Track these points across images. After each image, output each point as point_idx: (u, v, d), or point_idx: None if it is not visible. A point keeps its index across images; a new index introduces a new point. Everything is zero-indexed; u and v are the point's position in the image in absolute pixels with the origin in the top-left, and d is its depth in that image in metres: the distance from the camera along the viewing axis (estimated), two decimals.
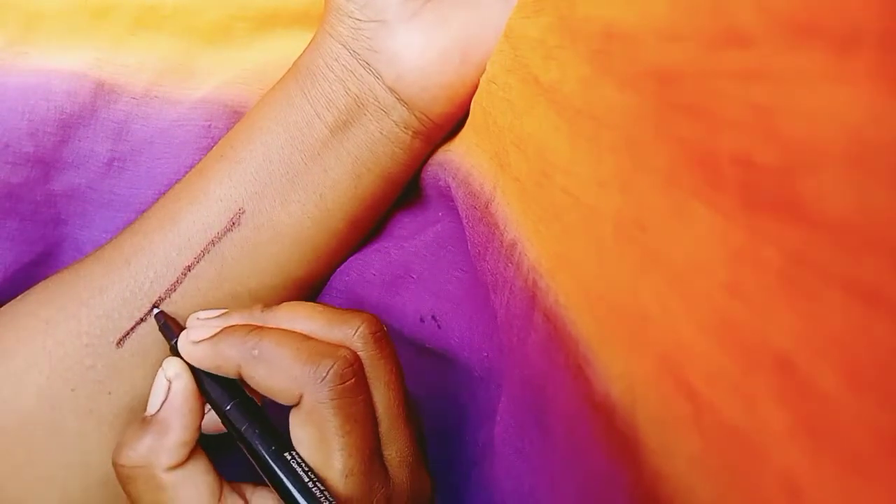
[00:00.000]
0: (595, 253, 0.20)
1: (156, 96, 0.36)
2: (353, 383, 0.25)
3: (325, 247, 0.33)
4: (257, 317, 0.27)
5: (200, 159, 0.34)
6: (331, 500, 0.24)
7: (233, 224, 0.31)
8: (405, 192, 0.35)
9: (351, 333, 0.26)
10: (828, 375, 0.12)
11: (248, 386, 0.26)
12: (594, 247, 0.20)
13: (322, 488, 0.24)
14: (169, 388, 0.26)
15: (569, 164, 0.21)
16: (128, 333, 0.31)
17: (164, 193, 0.33)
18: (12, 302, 0.33)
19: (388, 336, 0.27)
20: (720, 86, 0.14)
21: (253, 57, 0.37)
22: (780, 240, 0.13)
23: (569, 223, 0.21)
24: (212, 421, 0.27)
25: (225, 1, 0.36)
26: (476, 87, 0.31)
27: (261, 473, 0.25)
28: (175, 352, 0.27)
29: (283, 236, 0.32)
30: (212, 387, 0.27)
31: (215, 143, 0.34)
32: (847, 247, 0.11)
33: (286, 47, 0.36)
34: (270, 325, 0.27)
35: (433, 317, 0.32)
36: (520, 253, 0.25)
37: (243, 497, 0.26)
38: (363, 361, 0.26)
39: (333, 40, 0.31)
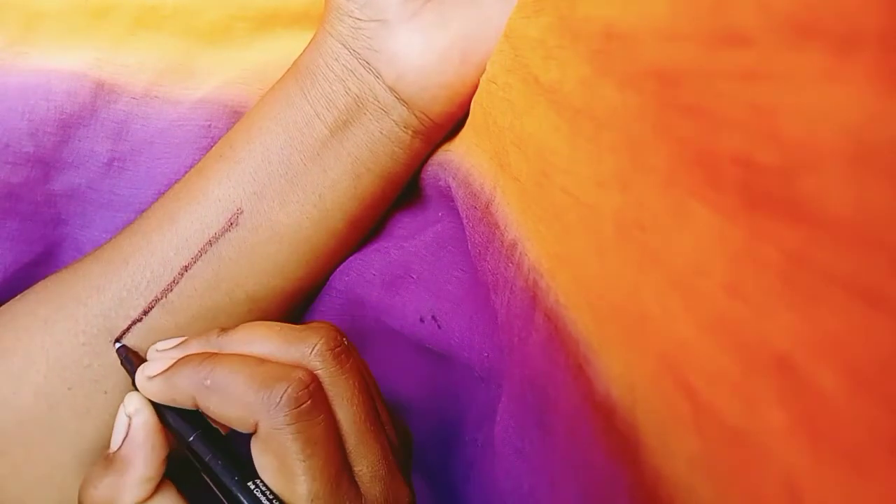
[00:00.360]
0: (595, 253, 0.20)
1: (156, 96, 0.36)
2: (308, 405, 0.24)
3: (324, 247, 0.33)
4: (213, 342, 0.27)
5: (200, 159, 0.34)
6: None
7: (231, 224, 0.31)
8: (405, 192, 0.35)
9: (308, 352, 0.26)
10: (828, 375, 0.12)
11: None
12: (594, 247, 0.20)
13: None
14: (129, 425, 0.26)
15: (569, 164, 0.21)
16: (124, 333, 0.31)
17: (163, 193, 0.33)
18: (11, 301, 0.33)
19: (349, 349, 0.26)
20: (720, 86, 0.14)
21: (253, 57, 0.37)
22: (780, 240, 0.13)
23: (569, 223, 0.21)
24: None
25: (225, 1, 0.36)
26: (476, 86, 0.31)
27: (227, 501, 0.25)
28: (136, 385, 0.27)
29: (281, 236, 0.32)
30: (174, 419, 0.26)
31: (215, 143, 0.34)
32: (847, 247, 0.11)
33: (286, 47, 0.36)
34: (227, 351, 0.26)
35: (433, 317, 0.32)
36: (520, 253, 0.25)
37: None
38: (323, 379, 0.25)
39: (333, 40, 0.31)
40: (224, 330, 0.27)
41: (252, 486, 0.24)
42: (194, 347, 0.27)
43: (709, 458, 0.14)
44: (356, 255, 0.35)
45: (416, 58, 0.30)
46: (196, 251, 0.31)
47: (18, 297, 0.33)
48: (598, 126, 0.20)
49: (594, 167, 0.20)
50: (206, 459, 0.25)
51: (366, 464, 0.26)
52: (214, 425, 0.27)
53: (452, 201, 0.31)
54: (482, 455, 0.30)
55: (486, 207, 0.28)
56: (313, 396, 0.24)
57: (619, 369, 0.18)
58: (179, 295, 0.31)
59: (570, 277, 0.21)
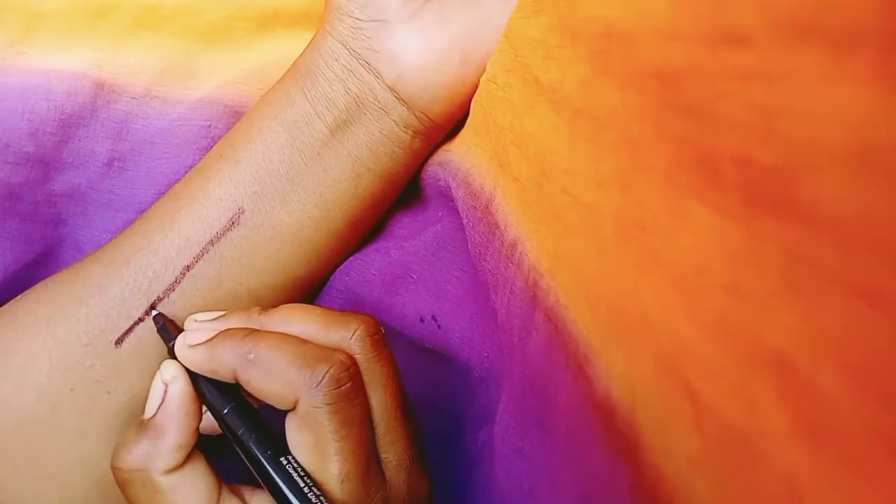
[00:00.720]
0: (595, 253, 0.20)
1: (156, 96, 0.36)
2: (349, 387, 0.25)
3: (324, 246, 0.33)
4: (254, 320, 0.27)
5: (200, 159, 0.34)
6: None
7: (232, 224, 0.31)
8: (405, 192, 0.35)
9: (348, 336, 0.26)
10: (828, 375, 0.12)
11: (245, 390, 0.26)
12: (594, 247, 0.20)
13: (318, 493, 0.24)
14: (165, 392, 0.26)
15: (569, 164, 0.21)
16: (126, 333, 0.31)
17: (164, 193, 0.33)
18: (12, 301, 0.33)
19: (385, 338, 0.27)
20: (720, 86, 0.14)
21: (253, 57, 0.37)
22: (780, 240, 0.13)
23: (569, 223, 0.21)
24: (211, 422, 0.27)
25: (225, 1, 0.36)
26: (476, 86, 0.31)
27: (257, 478, 0.25)
28: (172, 354, 0.27)
29: (282, 236, 0.32)
30: (209, 390, 0.27)
31: (215, 143, 0.34)
32: (847, 247, 0.11)
33: (286, 47, 0.36)
34: (268, 329, 0.27)
35: (433, 317, 0.32)
36: (520, 253, 0.25)
37: (242, 499, 0.26)
38: (360, 364, 0.26)
39: (333, 40, 0.31)
40: (265, 308, 0.27)
41: (284, 462, 0.25)
42: (235, 322, 0.27)
43: (708, 457, 0.14)
44: (356, 255, 0.35)
45: (416, 58, 0.30)
46: (198, 251, 0.31)
47: (19, 297, 0.33)
48: (598, 126, 0.20)
49: (594, 167, 0.20)
50: (240, 433, 0.26)
51: (392, 451, 0.26)
52: (249, 400, 0.27)
53: (452, 201, 0.31)
54: (482, 455, 0.30)
55: (486, 207, 0.28)
56: (353, 379, 0.25)
57: (619, 369, 0.18)
58: (181, 295, 0.31)
59: (570, 277, 0.21)
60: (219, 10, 0.36)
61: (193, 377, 0.27)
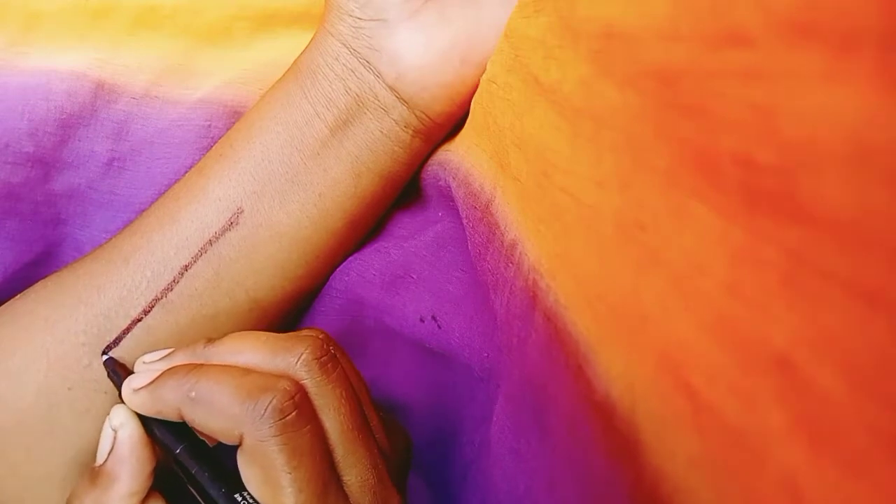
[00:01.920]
0: (595, 253, 0.20)
1: (156, 96, 0.36)
2: (294, 416, 0.24)
3: (324, 246, 0.33)
4: (199, 353, 0.26)
5: (200, 159, 0.34)
6: None
7: (231, 224, 0.31)
8: (405, 192, 0.35)
9: (294, 361, 0.25)
10: (828, 375, 0.12)
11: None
12: (594, 247, 0.20)
13: None
14: (115, 438, 0.26)
15: (569, 164, 0.21)
16: (124, 332, 0.31)
17: (163, 193, 0.33)
18: (11, 300, 0.33)
19: (334, 358, 0.26)
20: (720, 86, 0.14)
21: (253, 57, 0.37)
22: (780, 240, 0.13)
23: (569, 223, 0.21)
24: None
25: (225, 1, 0.36)
26: (476, 86, 0.31)
27: None
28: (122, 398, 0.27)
29: (281, 236, 0.32)
30: (161, 431, 0.26)
31: (215, 143, 0.34)
32: (847, 247, 0.11)
33: (286, 47, 0.36)
34: (213, 361, 0.26)
35: (433, 317, 0.32)
36: (520, 253, 0.25)
37: None
38: (309, 389, 0.25)
39: (334, 39, 0.31)
40: (211, 340, 0.27)
41: (239, 499, 0.24)
42: (180, 359, 0.27)
43: (708, 457, 0.14)
44: (356, 255, 0.35)
45: (417, 57, 0.30)
46: (196, 251, 0.31)
47: (18, 296, 0.33)
48: (598, 126, 0.20)
49: (594, 167, 0.20)
50: (193, 472, 0.25)
51: (354, 473, 0.25)
52: (201, 437, 0.26)
53: (452, 201, 0.31)
54: (479, 455, 0.30)
55: (486, 207, 0.28)
56: (299, 407, 0.24)
57: (618, 369, 0.18)
58: (180, 295, 0.31)
59: (569, 277, 0.21)
60: (218, 10, 0.36)
61: (144, 420, 0.26)
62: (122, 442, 0.26)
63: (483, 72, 0.30)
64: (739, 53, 0.14)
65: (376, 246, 0.35)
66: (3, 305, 0.33)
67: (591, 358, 0.19)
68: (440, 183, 0.33)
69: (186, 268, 0.31)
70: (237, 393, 0.24)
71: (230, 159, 0.32)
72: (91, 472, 0.26)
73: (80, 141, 0.36)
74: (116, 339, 0.31)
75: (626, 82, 0.18)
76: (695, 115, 0.15)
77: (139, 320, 0.31)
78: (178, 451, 0.26)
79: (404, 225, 0.36)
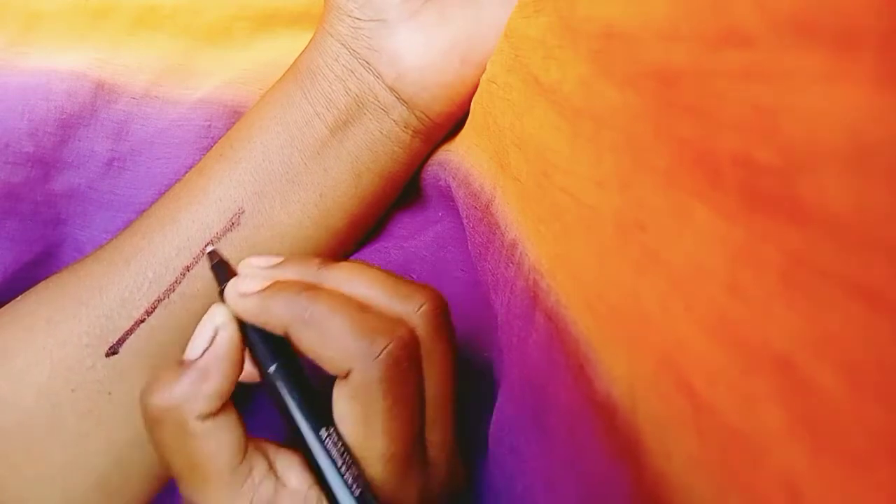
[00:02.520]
0: (595, 253, 0.20)
1: (156, 96, 0.36)
2: (407, 366, 0.24)
3: (325, 246, 0.33)
4: (313, 273, 0.25)
5: (200, 159, 0.34)
6: (362, 485, 0.23)
7: (232, 224, 0.31)
8: (405, 192, 0.35)
9: (413, 309, 0.25)
10: (828, 375, 0.12)
11: (295, 347, 0.25)
12: (594, 247, 0.20)
13: (356, 473, 0.23)
14: (214, 337, 0.25)
15: (569, 164, 0.21)
16: (127, 334, 0.31)
17: (164, 193, 0.33)
18: (13, 302, 0.33)
19: (449, 317, 0.25)
20: (720, 86, 0.14)
21: (253, 57, 0.37)
22: (780, 240, 0.13)
23: (569, 223, 0.21)
24: (248, 371, 0.26)
25: (225, 1, 0.36)
26: (476, 86, 0.31)
27: (293, 438, 0.24)
28: (223, 296, 0.26)
29: (283, 236, 0.32)
30: (257, 342, 0.25)
31: (215, 143, 0.34)
32: (847, 247, 0.11)
33: (286, 47, 0.36)
34: (326, 286, 0.25)
35: None
36: (521, 253, 0.25)
37: (266, 458, 0.25)
38: (420, 340, 0.25)
39: (333, 39, 0.31)
40: (325, 261, 0.26)
41: (324, 434, 0.24)
42: (292, 273, 0.25)
43: (708, 458, 0.14)
44: (356, 255, 0.35)
45: (417, 57, 0.30)
46: (197, 251, 0.31)
47: (20, 297, 0.33)
48: (598, 126, 0.20)
49: (594, 167, 0.20)
50: (283, 393, 0.24)
51: (439, 433, 0.25)
52: (296, 358, 0.25)
53: (452, 201, 0.31)
54: (476, 454, 0.30)
55: (487, 207, 0.28)
56: (411, 359, 0.24)
57: (619, 369, 0.18)
58: (182, 295, 0.31)
59: (570, 277, 0.21)
60: (218, 10, 0.36)
61: (241, 325, 0.25)
62: (221, 342, 0.25)
63: (483, 72, 0.30)
64: (739, 53, 0.14)
65: (376, 246, 0.35)
66: (5, 307, 0.33)
67: (591, 358, 0.19)
68: (440, 183, 0.33)
69: (188, 268, 0.31)
70: (354, 328, 0.23)
71: (230, 160, 0.32)
72: (180, 364, 0.25)
73: (80, 141, 0.36)
74: (119, 340, 0.31)
75: (626, 82, 0.18)
76: (695, 115, 0.15)
77: (142, 321, 0.31)
78: (272, 367, 0.25)
79: (404, 225, 0.36)
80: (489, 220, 0.28)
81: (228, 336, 0.25)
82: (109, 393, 0.31)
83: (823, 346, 0.12)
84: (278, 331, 0.24)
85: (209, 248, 0.28)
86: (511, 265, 0.25)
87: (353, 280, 0.25)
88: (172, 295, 0.31)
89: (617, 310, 0.18)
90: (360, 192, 0.33)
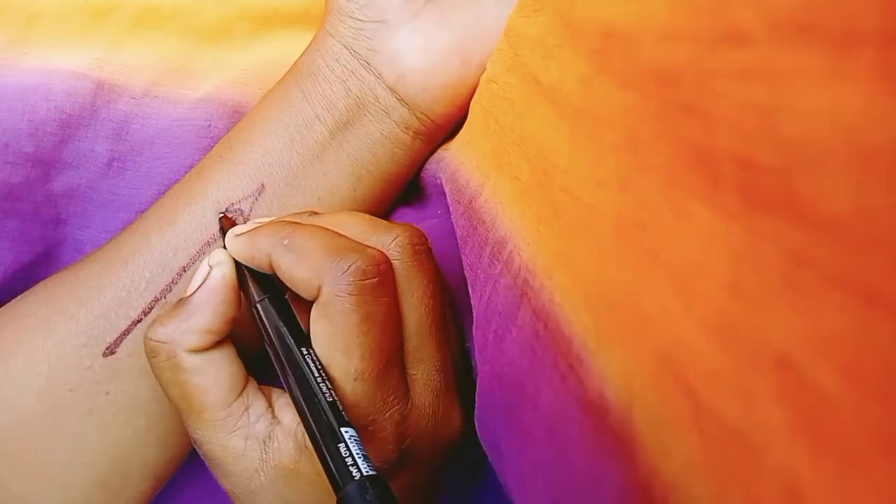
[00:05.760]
0: (595, 252, 0.20)
1: (156, 96, 0.36)
2: (375, 282, 0.24)
3: None
4: (304, 219, 0.27)
5: (200, 159, 0.34)
6: (334, 398, 0.24)
7: (234, 224, 0.31)
8: (407, 191, 0.35)
9: (389, 241, 0.26)
10: (828, 375, 0.12)
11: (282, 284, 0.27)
12: (594, 246, 0.20)
13: (329, 387, 0.24)
14: (209, 274, 0.27)
15: (569, 164, 0.21)
16: (124, 334, 0.31)
17: (163, 193, 0.33)
18: (12, 302, 0.33)
19: (430, 253, 0.26)
20: (720, 86, 0.14)
21: (253, 57, 0.37)
22: (780, 240, 0.13)
23: (569, 223, 0.21)
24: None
25: (225, 1, 0.36)
26: (476, 87, 0.31)
27: (276, 369, 0.25)
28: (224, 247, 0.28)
29: None
30: (250, 279, 0.27)
31: (215, 143, 0.34)
32: (847, 247, 0.11)
33: (286, 47, 0.36)
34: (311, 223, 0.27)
35: None
36: (510, 251, 0.25)
37: (268, 399, 0.26)
38: (397, 270, 0.26)
39: (334, 40, 0.31)
40: (315, 212, 0.28)
41: (304, 352, 0.25)
42: (286, 219, 0.28)
43: (708, 457, 0.14)
44: None
45: (417, 58, 0.30)
46: (195, 252, 0.31)
47: (19, 297, 0.33)
48: (598, 126, 0.20)
49: (594, 167, 0.20)
50: (266, 322, 0.26)
51: (422, 369, 0.26)
52: (284, 297, 0.27)
53: None
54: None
55: (469, 203, 0.28)
56: (382, 276, 0.25)
57: (616, 369, 0.18)
58: (178, 296, 0.31)
59: (568, 277, 0.21)
60: (219, 10, 0.36)
61: (238, 269, 0.27)
62: (214, 279, 0.26)
63: (483, 72, 0.30)
64: (738, 53, 0.14)
65: None
66: (4, 307, 0.33)
67: (584, 358, 0.19)
68: (437, 181, 0.33)
69: (185, 269, 0.31)
70: (326, 248, 0.25)
71: (230, 161, 0.32)
72: (179, 301, 0.27)
73: (80, 141, 0.36)
74: (116, 340, 0.31)
75: (626, 82, 0.18)
76: (694, 114, 0.15)
77: (138, 321, 0.31)
78: (260, 300, 0.27)
79: (407, 218, 0.36)
80: (470, 216, 0.28)
81: (221, 274, 0.26)
82: (107, 393, 0.31)
83: (823, 346, 0.12)
84: (264, 264, 0.26)
85: (220, 214, 0.31)
86: (496, 262, 0.25)
87: (339, 222, 0.27)
88: (169, 295, 0.31)
89: (617, 309, 0.18)
90: (358, 196, 0.33)
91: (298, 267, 0.25)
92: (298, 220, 0.27)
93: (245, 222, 0.31)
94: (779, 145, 0.13)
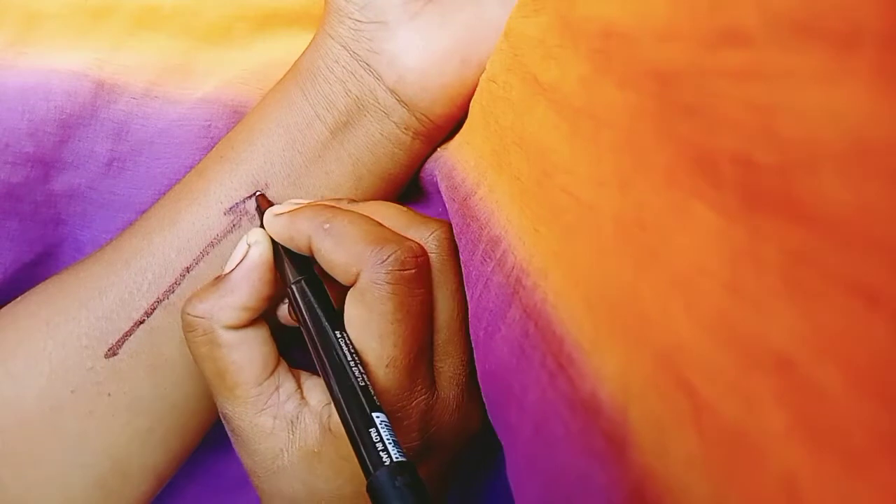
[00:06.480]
0: (595, 252, 0.20)
1: (156, 96, 0.36)
2: (412, 274, 0.25)
3: None
4: (343, 205, 0.28)
5: (200, 159, 0.34)
6: (367, 383, 0.24)
7: (233, 226, 0.31)
8: (408, 190, 0.35)
9: (427, 234, 0.27)
10: (828, 375, 0.12)
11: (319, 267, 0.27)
12: (594, 246, 0.20)
13: (362, 370, 0.24)
14: (247, 253, 0.27)
15: (569, 164, 0.21)
16: (126, 335, 0.31)
17: (164, 194, 0.33)
18: (13, 303, 0.33)
19: (458, 251, 0.27)
20: (719, 85, 0.14)
21: (253, 57, 0.37)
22: (780, 240, 0.13)
23: (569, 222, 0.21)
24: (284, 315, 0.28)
25: (225, 1, 0.36)
26: (476, 87, 0.31)
27: (311, 350, 0.26)
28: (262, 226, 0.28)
29: None
30: (287, 260, 0.27)
31: (215, 143, 0.34)
32: (847, 247, 0.11)
33: (286, 47, 0.36)
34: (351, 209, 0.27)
35: None
36: (504, 250, 0.25)
37: (297, 381, 0.26)
38: (433, 264, 0.26)
39: (334, 41, 0.31)
40: (353, 200, 0.28)
41: (337, 335, 0.25)
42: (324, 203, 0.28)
43: (707, 457, 0.14)
44: None
45: (417, 59, 0.30)
46: (198, 252, 0.31)
47: (19, 298, 0.33)
48: (598, 126, 0.20)
49: (594, 167, 0.20)
50: (301, 304, 0.26)
51: (450, 363, 0.26)
52: (320, 280, 0.27)
53: None
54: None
55: (464, 201, 0.28)
56: (419, 268, 0.25)
57: (612, 369, 0.18)
58: (181, 296, 0.31)
59: (567, 277, 0.21)
60: (218, 10, 0.36)
61: (275, 249, 0.27)
62: (252, 257, 0.27)
63: (483, 72, 0.30)
64: (738, 53, 0.14)
65: None
66: (4, 308, 0.33)
67: (576, 357, 0.19)
68: (436, 180, 0.33)
69: (188, 269, 0.31)
70: (367, 235, 0.25)
71: (231, 161, 0.32)
72: (217, 277, 0.27)
73: (80, 141, 0.36)
74: (118, 341, 0.31)
75: (626, 82, 0.18)
76: (694, 114, 0.15)
77: (141, 322, 0.31)
78: (296, 280, 0.27)
79: None
80: (464, 213, 0.28)
81: (259, 252, 0.27)
82: (109, 394, 0.31)
83: (823, 345, 0.12)
84: (303, 245, 0.27)
85: (257, 193, 0.31)
86: (489, 260, 0.25)
87: (377, 212, 0.27)
88: (172, 296, 0.31)
89: (616, 309, 0.18)
90: (359, 195, 0.32)
91: (338, 251, 0.25)
92: (338, 206, 0.28)
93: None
94: (779, 145, 0.13)
